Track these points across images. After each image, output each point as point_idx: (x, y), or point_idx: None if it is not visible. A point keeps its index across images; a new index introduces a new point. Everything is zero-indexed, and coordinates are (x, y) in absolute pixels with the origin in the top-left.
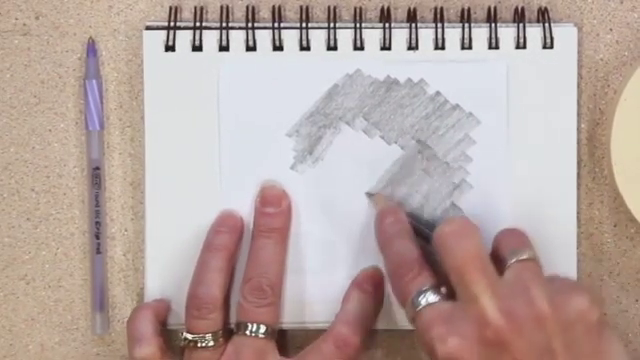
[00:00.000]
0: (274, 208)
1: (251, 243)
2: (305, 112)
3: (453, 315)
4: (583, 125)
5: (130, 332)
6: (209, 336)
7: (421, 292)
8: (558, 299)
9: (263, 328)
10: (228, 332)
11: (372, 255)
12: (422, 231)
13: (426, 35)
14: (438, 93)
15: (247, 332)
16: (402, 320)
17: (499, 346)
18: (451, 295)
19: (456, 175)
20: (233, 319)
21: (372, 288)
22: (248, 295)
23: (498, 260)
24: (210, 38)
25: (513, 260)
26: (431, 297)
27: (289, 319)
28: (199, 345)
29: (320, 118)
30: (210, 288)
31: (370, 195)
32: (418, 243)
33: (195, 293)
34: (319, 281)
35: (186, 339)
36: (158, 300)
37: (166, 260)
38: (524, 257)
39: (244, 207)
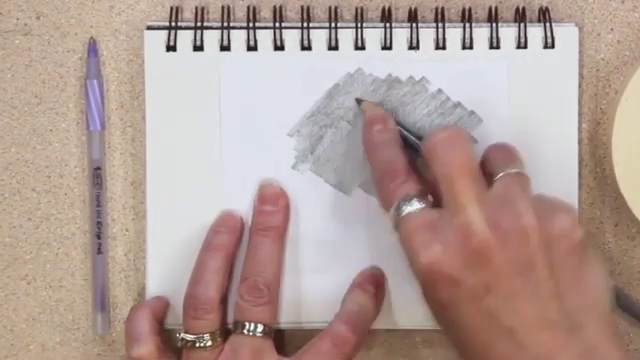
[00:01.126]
0: (272, 206)
1: (249, 241)
2: (306, 112)
3: (438, 223)
4: (584, 125)
5: (128, 331)
6: (207, 336)
7: (407, 199)
8: (544, 215)
9: (260, 327)
10: (226, 331)
11: (373, 255)
12: (411, 140)
13: (427, 35)
14: (440, 91)
15: (245, 331)
16: (402, 320)
17: (482, 256)
18: (437, 205)
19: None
20: (231, 319)
21: (372, 288)
22: (245, 294)
23: (487, 173)
24: (211, 38)
25: (501, 173)
26: (416, 204)
27: (288, 319)
28: (197, 345)
29: (321, 118)
30: (208, 289)
31: (360, 101)
32: (406, 152)
33: (193, 293)
34: (319, 281)
35: (183, 339)
36: (156, 298)
37: (167, 260)
38: (513, 171)
39: (245, 207)
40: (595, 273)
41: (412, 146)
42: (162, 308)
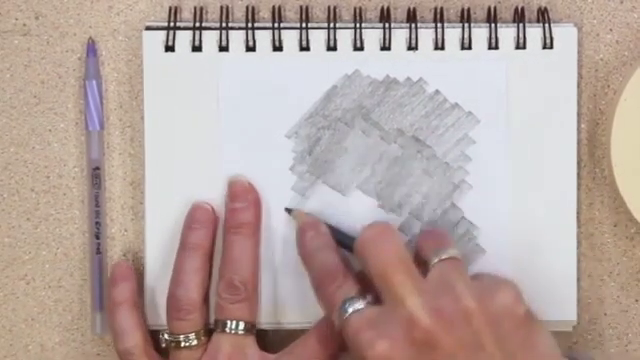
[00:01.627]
0: (242, 203)
1: (223, 240)
2: (304, 113)
3: (380, 319)
4: (583, 125)
5: (112, 329)
6: (192, 335)
7: (347, 300)
8: (483, 295)
9: (242, 324)
10: (211, 329)
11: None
12: (345, 242)
13: (426, 35)
14: (437, 92)
15: (226, 329)
16: None
17: (429, 345)
18: (377, 302)
19: (456, 175)
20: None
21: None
22: (222, 292)
23: (422, 261)
24: (210, 38)
25: (436, 260)
26: (357, 304)
27: (287, 319)
28: (183, 345)
29: (319, 119)
30: (187, 290)
31: (289, 210)
32: (341, 254)
33: (174, 295)
34: None
35: (168, 340)
36: (131, 292)
37: (166, 260)
38: (446, 256)
39: None
40: (544, 343)
41: (346, 245)
42: (139, 302)
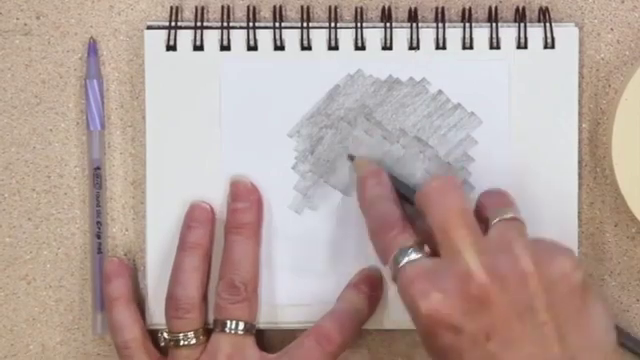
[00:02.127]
0: (243, 203)
1: (224, 240)
2: (306, 112)
3: (436, 271)
4: (584, 125)
5: (110, 324)
6: (191, 334)
7: (404, 249)
8: (542, 259)
9: (241, 324)
10: (210, 329)
11: (372, 256)
12: (405, 193)
13: (427, 35)
14: (440, 92)
15: (225, 329)
16: (402, 320)
17: (481, 302)
18: (434, 255)
19: (458, 175)
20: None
21: (368, 289)
22: (222, 293)
23: (482, 219)
24: (211, 38)
25: (497, 219)
26: (413, 254)
27: (287, 320)
28: (182, 344)
29: (321, 119)
30: (186, 289)
31: (352, 158)
32: (401, 204)
33: (173, 294)
34: (318, 282)
35: (167, 338)
36: (124, 286)
37: (167, 260)
38: (508, 216)
39: None
40: (598, 313)
41: (407, 197)
42: (136, 298)
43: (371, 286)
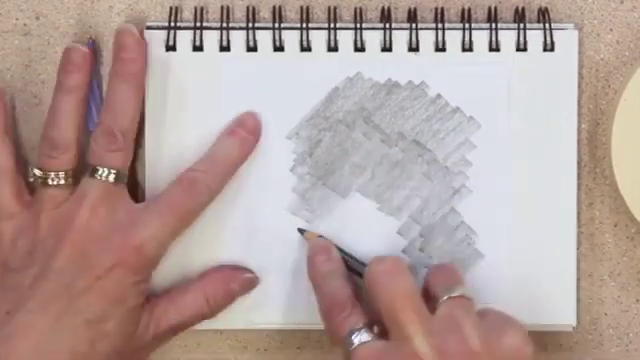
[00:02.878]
0: (129, 53)
1: (107, 87)
2: (305, 115)
3: (387, 354)
4: (583, 125)
5: None
6: (61, 174)
7: (354, 331)
8: (491, 336)
9: (113, 172)
10: (80, 175)
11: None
12: (355, 268)
13: (427, 37)
14: (439, 96)
15: (97, 175)
16: None
17: None
18: (384, 333)
19: (456, 180)
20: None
21: (244, 132)
22: (99, 138)
23: (430, 297)
24: (211, 38)
25: (445, 297)
26: (364, 336)
27: (288, 319)
28: (50, 183)
29: (320, 121)
30: (62, 130)
31: (302, 231)
32: (351, 280)
33: (47, 135)
34: None
35: (36, 175)
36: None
37: (166, 259)
38: (456, 294)
39: (245, 207)
40: None
41: (358, 272)
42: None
43: (247, 129)
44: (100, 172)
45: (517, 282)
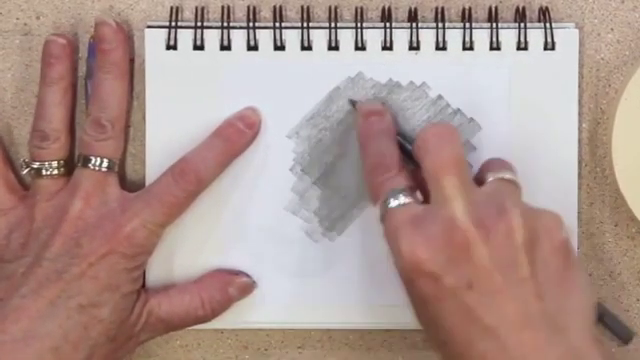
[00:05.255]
0: (109, 44)
1: (93, 80)
2: (306, 114)
3: (423, 217)
4: (584, 125)
5: None
6: (54, 164)
7: (395, 192)
8: (530, 215)
9: (105, 161)
10: (73, 166)
11: (370, 258)
12: (405, 145)
13: (427, 36)
14: (440, 97)
15: (89, 165)
16: (402, 320)
17: (464, 251)
18: (426, 201)
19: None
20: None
21: (243, 125)
22: (88, 129)
23: (481, 179)
24: (212, 37)
25: (492, 177)
26: (404, 198)
27: (288, 319)
28: (44, 173)
29: (321, 120)
30: (51, 122)
31: (354, 102)
32: (399, 147)
33: (37, 128)
34: (320, 282)
35: (29, 166)
36: None
37: (166, 259)
38: (505, 176)
39: (244, 206)
40: (579, 277)
41: (405, 149)
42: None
43: (245, 123)
44: (92, 161)
45: None
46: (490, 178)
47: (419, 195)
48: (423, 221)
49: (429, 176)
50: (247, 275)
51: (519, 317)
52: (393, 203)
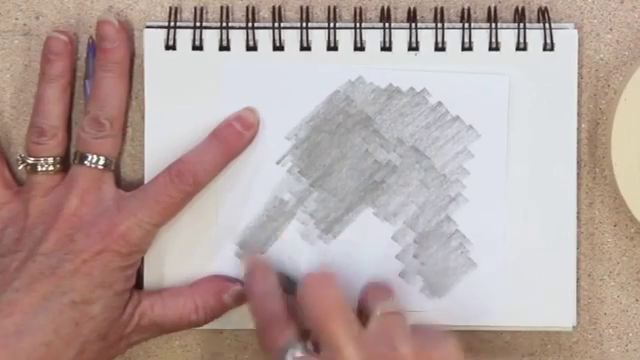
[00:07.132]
0: (110, 43)
1: (93, 79)
2: (305, 116)
3: None
4: (583, 125)
5: None
6: (50, 160)
7: (287, 347)
8: (421, 347)
9: (102, 159)
10: (69, 163)
11: (369, 261)
12: (290, 287)
13: (427, 36)
14: (440, 103)
15: (86, 162)
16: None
17: None
18: (317, 350)
19: (452, 188)
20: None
21: (241, 127)
22: (86, 127)
23: (363, 313)
24: (211, 37)
25: (378, 312)
26: (297, 352)
27: None
28: (39, 169)
29: (320, 123)
30: (48, 118)
31: (240, 256)
32: (286, 298)
33: (35, 123)
34: None
35: (25, 161)
36: None
37: (165, 259)
38: (389, 310)
39: (243, 206)
40: None
41: (293, 291)
42: None
43: (243, 124)
44: (89, 159)
45: (515, 286)
46: (377, 312)
47: (310, 345)
48: None
49: (314, 325)
50: (242, 283)
51: None
52: (288, 357)
